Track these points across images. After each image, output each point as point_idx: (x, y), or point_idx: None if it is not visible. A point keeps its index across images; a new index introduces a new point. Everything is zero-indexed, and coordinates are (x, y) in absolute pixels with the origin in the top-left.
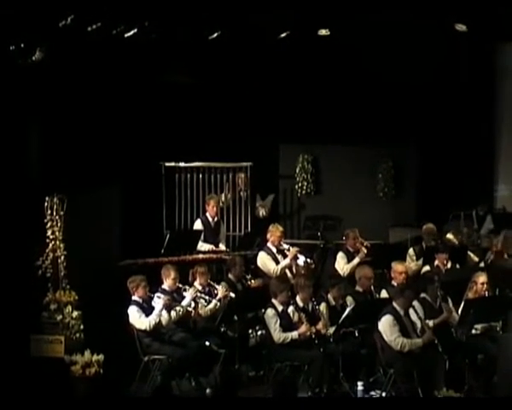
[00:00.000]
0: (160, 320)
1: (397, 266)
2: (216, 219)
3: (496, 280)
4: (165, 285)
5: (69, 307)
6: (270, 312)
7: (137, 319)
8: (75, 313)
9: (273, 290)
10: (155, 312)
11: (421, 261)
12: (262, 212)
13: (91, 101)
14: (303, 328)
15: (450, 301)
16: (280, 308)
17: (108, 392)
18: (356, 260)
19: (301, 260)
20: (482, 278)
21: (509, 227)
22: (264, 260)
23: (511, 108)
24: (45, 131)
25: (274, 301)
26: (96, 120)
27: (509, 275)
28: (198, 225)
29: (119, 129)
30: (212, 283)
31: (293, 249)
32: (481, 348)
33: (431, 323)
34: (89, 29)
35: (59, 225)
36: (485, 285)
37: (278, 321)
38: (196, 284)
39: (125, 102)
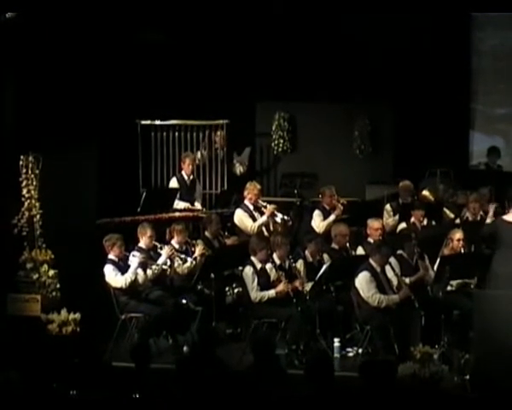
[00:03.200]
0: (136, 278)
1: (373, 223)
2: (192, 177)
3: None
4: (142, 244)
5: (45, 266)
6: (248, 270)
7: (113, 277)
8: (51, 272)
9: (253, 248)
10: (131, 270)
11: (397, 217)
12: (239, 169)
13: (66, 58)
14: (281, 286)
15: (426, 258)
16: (259, 266)
17: (85, 350)
18: (331, 218)
19: (278, 217)
20: (458, 235)
21: (484, 184)
22: (241, 218)
23: (486, 63)
24: (20, 90)
25: (253, 258)
26: (72, 78)
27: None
28: (174, 183)
29: (94, 87)
30: (189, 241)
31: (271, 207)
32: (457, 305)
33: (407, 280)
34: None
35: (34, 183)
36: (461, 242)
37: (256, 279)
38: (174, 242)
39: (100, 60)
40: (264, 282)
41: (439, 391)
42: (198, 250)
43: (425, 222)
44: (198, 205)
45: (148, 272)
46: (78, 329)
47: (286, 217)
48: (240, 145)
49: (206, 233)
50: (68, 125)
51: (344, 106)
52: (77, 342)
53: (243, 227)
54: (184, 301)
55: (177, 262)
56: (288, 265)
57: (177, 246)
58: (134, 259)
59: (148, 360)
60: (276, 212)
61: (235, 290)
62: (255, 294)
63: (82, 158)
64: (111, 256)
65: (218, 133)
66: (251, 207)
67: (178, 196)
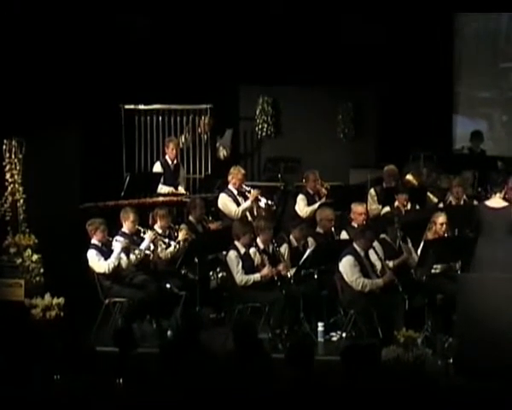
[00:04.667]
0: (119, 263)
1: (356, 208)
2: (175, 161)
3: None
4: (125, 228)
5: (29, 251)
6: (232, 254)
7: (96, 262)
8: (35, 257)
9: (236, 233)
10: (114, 255)
11: (381, 204)
12: (223, 152)
13: (49, 41)
14: (265, 270)
15: (409, 241)
16: (242, 251)
17: (69, 335)
18: (316, 205)
19: (262, 202)
20: (441, 219)
21: (467, 168)
22: (225, 202)
23: (470, 47)
24: (2, 74)
25: (237, 243)
26: (55, 61)
27: (468, 215)
28: (157, 167)
29: (77, 71)
30: (172, 225)
31: (254, 192)
32: (440, 288)
33: (391, 264)
34: None
35: (17, 168)
36: (444, 226)
37: (240, 263)
38: (157, 226)
39: (83, 44)
40: (249, 266)
41: (422, 375)
42: (181, 235)
43: (409, 206)
44: (182, 189)
45: (132, 256)
46: (62, 313)
47: (270, 202)
48: (223, 129)
49: (190, 218)
50: (52, 110)
51: (327, 90)
52: (60, 327)
53: (227, 212)
54: (168, 285)
55: (161, 247)
56: (272, 249)
57: (160, 231)
58: (117, 244)
59: (131, 344)
60: (259, 196)
61: (219, 275)
62: (240, 277)
63: (65, 142)
64: (94, 241)
65: (202, 117)
66: (235, 192)
67: (162, 180)
